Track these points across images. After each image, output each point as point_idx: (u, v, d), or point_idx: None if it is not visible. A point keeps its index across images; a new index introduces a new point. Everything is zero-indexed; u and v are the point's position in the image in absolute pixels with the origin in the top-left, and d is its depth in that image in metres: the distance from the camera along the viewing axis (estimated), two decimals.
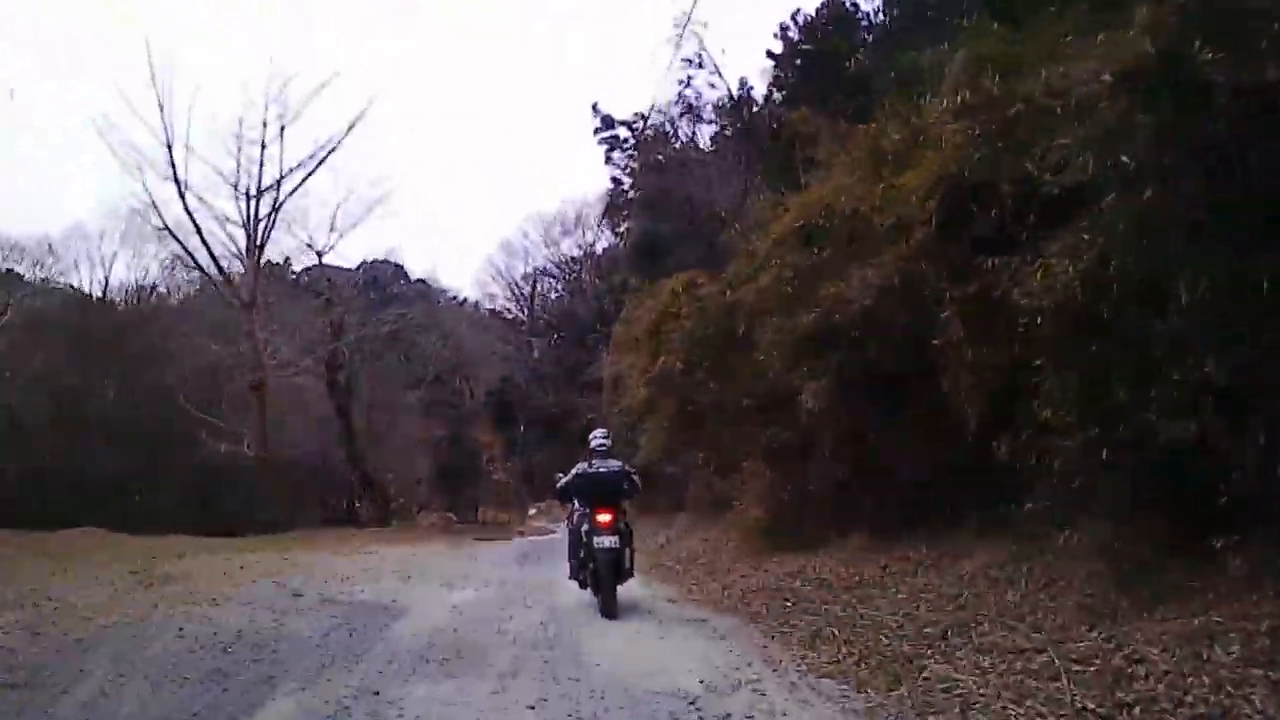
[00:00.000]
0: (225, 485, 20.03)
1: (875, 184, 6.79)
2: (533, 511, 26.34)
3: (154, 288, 24.18)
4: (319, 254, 18.69)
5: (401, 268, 31.41)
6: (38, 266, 23.45)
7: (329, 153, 17.56)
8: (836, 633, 5.42)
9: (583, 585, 6.37)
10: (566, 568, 6.71)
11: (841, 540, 8.06)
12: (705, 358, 8.95)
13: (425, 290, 32.27)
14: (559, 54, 57.08)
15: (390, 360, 23.30)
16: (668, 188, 23.63)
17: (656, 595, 7.45)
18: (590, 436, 6.87)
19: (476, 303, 36.27)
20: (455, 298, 36.67)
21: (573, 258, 33.35)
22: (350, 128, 17.76)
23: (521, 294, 32.89)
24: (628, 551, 6.27)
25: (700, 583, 7.88)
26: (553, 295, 34.13)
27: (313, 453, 21.43)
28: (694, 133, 24.77)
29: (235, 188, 16.88)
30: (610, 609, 5.95)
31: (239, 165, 16.97)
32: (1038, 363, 5.20)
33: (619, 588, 6.14)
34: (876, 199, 6.73)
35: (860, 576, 7.13)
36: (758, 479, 8.40)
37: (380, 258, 28.88)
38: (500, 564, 10.81)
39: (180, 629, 5.55)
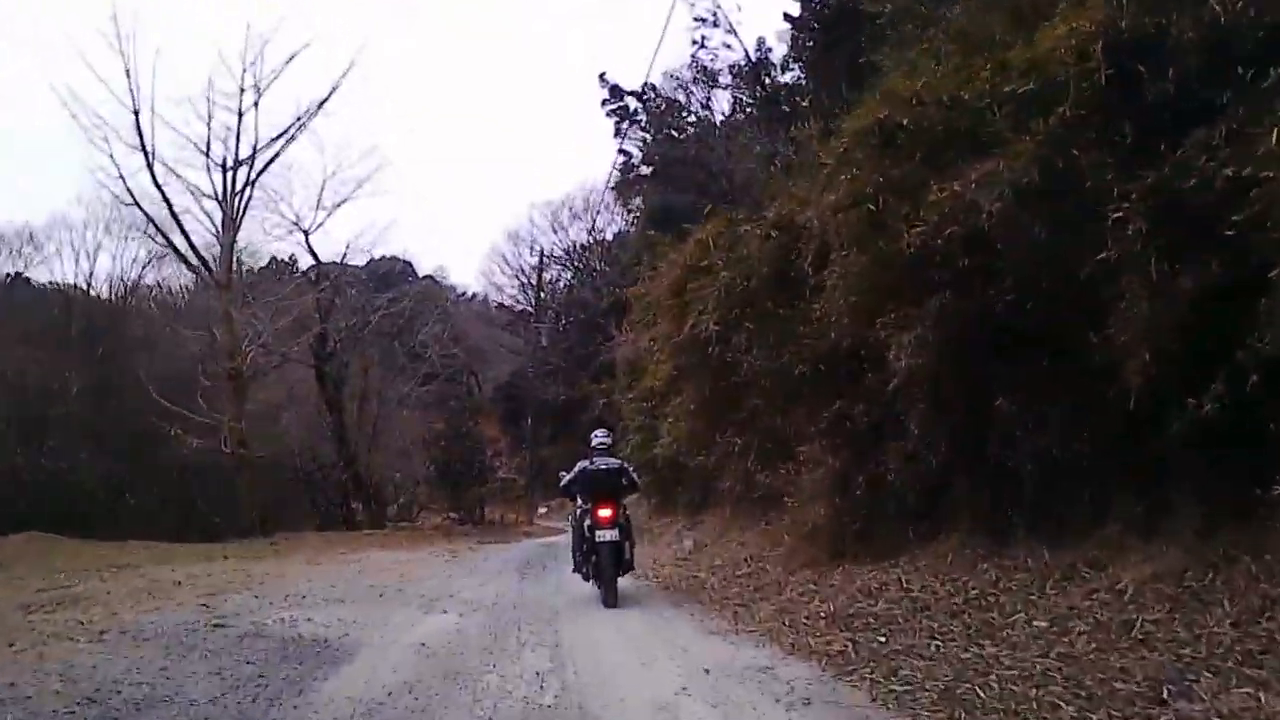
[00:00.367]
0: (211, 486, 18.56)
1: (985, 59, 4.95)
2: (543, 510, 24.59)
3: (139, 280, 22.72)
4: (305, 232, 17.05)
5: (410, 264, 30.21)
6: (14, 256, 21.90)
7: (309, 117, 15.95)
8: (981, 694, 3.59)
9: (586, 578, 6.61)
10: (576, 577, 6.82)
11: (926, 544, 6.27)
12: (746, 317, 7.10)
13: (434, 287, 31.14)
14: (561, 45, 55.29)
15: (387, 349, 21.66)
16: (683, 157, 21.81)
17: (692, 621, 5.63)
18: (591, 435, 7.06)
19: (485, 297, 35.07)
20: (464, 294, 35.83)
21: (582, 245, 31.71)
22: (333, 89, 16.24)
23: (529, 282, 31.12)
24: (628, 544, 6.51)
25: (748, 604, 6.05)
26: (561, 284, 32.45)
27: (306, 450, 19.90)
28: (709, 98, 22.87)
29: (206, 155, 15.25)
30: (611, 599, 6.18)
31: (209, 129, 15.34)
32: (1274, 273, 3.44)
33: (620, 578, 6.41)
34: (984, 81, 4.89)
35: (965, 594, 5.36)
36: (817, 468, 6.54)
37: (389, 254, 27.53)
38: (498, 574, 9.04)
39: (12, 684, 3.82)
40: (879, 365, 5.87)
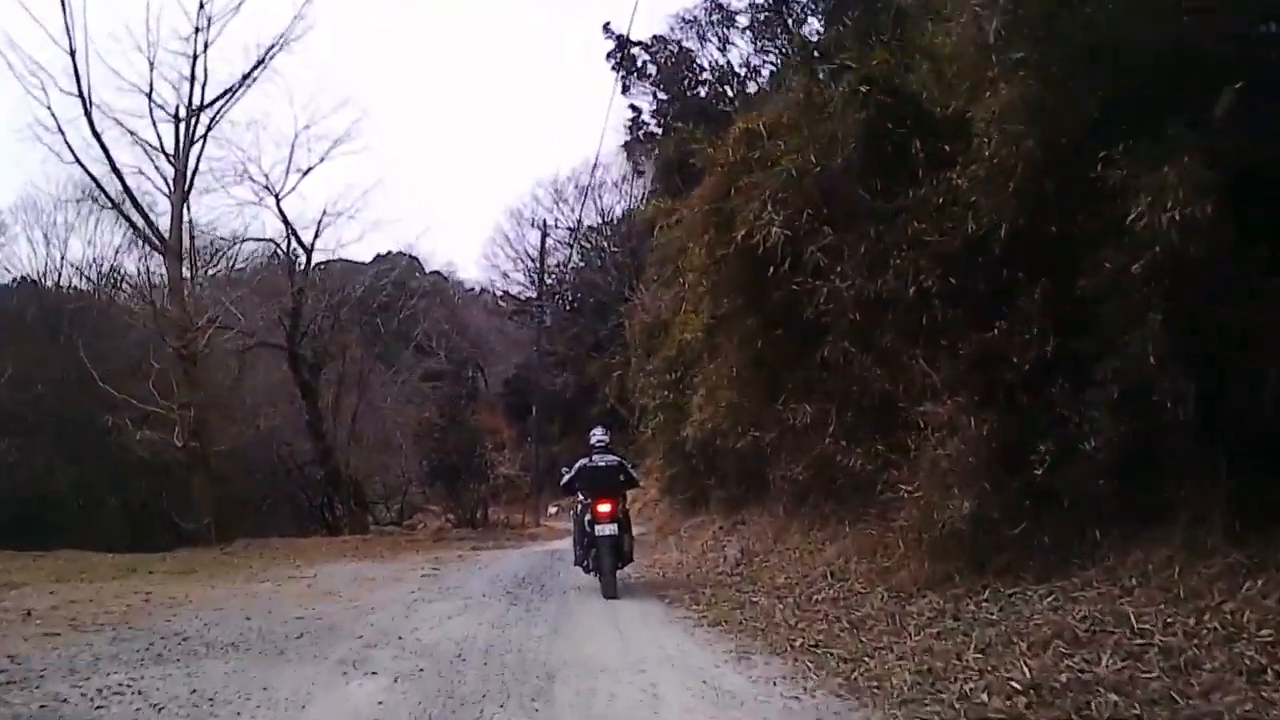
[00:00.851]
0: (178, 486, 16.53)
1: None
2: (552, 510, 22.24)
3: (113, 267, 20.65)
4: (276, 196, 14.87)
5: (416, 259, 28.28)
6: None
7: (271, 54, 13.77)
8: None
9: (587, 570, 6.72)
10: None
11: (1125, 546, 4.08)
12: (825, 219, 4.80)
13: (441, 282, 29.42)
14: (560, 26, 52.71)
15: (375, 335, 19.51)
16: (698, 108, 19.55)
17: (780, 699, 3.31)
18: (590, 434, 7.18)
19: (492, 290, 33.23)
20: (472, 289, 34.26)
21: (591, 227, 29.49)
22: (294, 19, 13.98)
23: (534, 265, 28.86)
24: (626, 538, 6.67)
25: (860, 659, 3.74)
26: (569, 266, 30.28)
27: (283, 445, 17.79)
28: (726, 40, 20.61)
29: (149, 96, 13.11)
30: (610, 590, 6.29)
31: (152, 68, 13.20)
32: None
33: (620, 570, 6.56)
34: None
35: (1248, 635, 3.35)
36: (951, 437, 4.22)
37: (395, 250, 25.67)
38: (481, 598, 6.70)
39: None
40: (1072, 254, 3.56)
